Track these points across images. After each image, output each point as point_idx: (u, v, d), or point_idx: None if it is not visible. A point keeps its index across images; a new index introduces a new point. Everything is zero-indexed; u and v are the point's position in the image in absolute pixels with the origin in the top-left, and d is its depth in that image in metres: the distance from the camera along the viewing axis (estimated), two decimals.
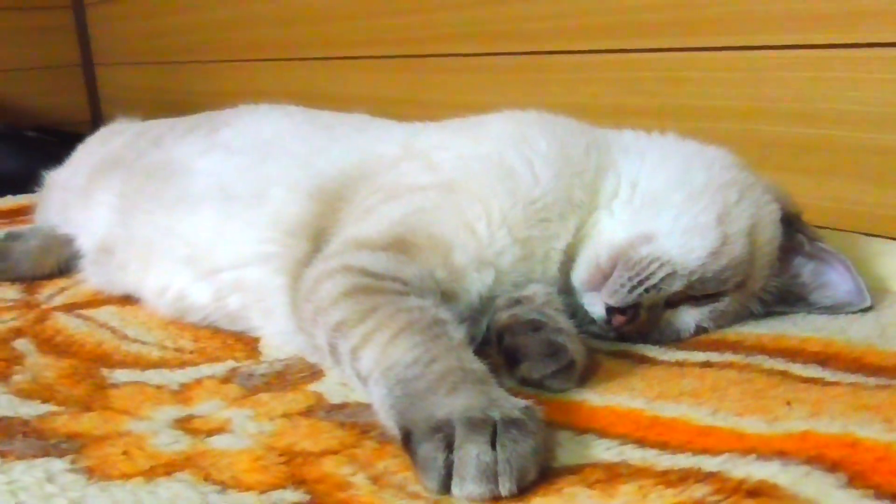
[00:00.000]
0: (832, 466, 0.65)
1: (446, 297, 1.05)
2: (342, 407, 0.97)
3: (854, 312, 1.12)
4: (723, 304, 1.08)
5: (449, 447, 0.74)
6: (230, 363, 1.14)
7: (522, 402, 0.80)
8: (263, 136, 1.44)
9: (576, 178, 1.11)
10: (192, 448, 0.87)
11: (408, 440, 0.78)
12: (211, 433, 0.91)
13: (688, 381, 0.95)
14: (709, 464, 0.72)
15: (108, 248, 1.43)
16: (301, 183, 1.24)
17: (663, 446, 0.78)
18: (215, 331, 1.27)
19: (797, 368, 0.95)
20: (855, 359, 0.95)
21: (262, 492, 0.77)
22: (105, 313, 1.37)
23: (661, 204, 1.08)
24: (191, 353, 1.20)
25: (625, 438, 0.81)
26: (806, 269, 1.13)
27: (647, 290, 1.02)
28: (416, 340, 0.89)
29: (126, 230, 1.40)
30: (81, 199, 1.54)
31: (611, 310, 1.05)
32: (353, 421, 0.92)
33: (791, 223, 1.13)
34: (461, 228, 1.07)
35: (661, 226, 1.06)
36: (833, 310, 1.13)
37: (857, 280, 1.11)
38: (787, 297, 1.14)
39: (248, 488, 0.78)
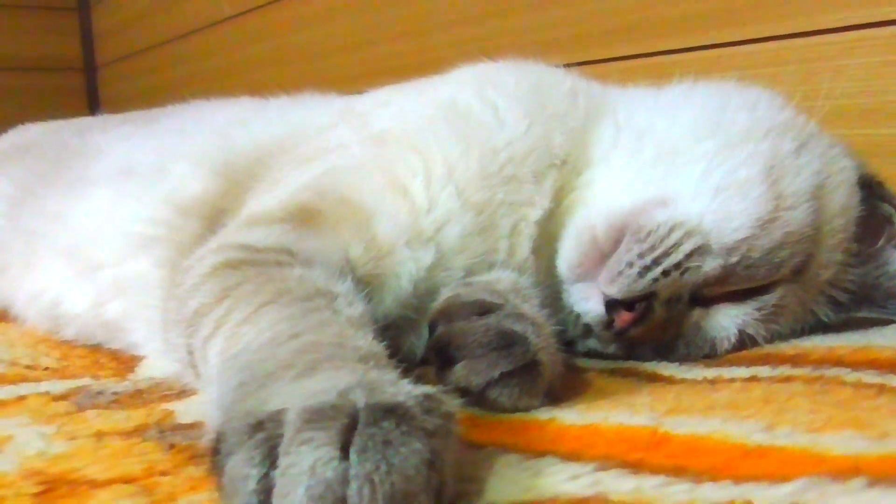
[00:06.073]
0: None
1: (368, 283, 0.73)
2: (190, 427, 0.65)
3: None
4: (774, 298, 0.73)
5: (272, 457, 0.41)
6: (85, 381, 0.86)
7: (423, 389, 0.46)
8: (200, 119, 1.16)
9: (555, 122, 0.79)
10: None
11: (217, 452, 0.44)
12: None
13: (722, 394, 0.60)
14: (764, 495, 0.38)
15: None
16: (208, 157, 0.97)
17: (677, 472, 0.44)
18: (93, 348, 0.99)
19: None
20: None
21: None
22: None
23: (682, 155, 0.75)
24: (45, 369, 0.92)
25: (605, 462, 0.48)
26: None
27: (665, 273, 0.68)
28: (283, 315, 0.56)
29: (13, 223, 1.13)
30: None
31: (612, 304, 0.70)
32: (189, 443, 0.60)
33: (872, 190, 0.79)
34: (388, 188, 0.76)
35: (683, 184, 0.73)
36: None
37: None
38: (873, 296, 0.79)
39: None
